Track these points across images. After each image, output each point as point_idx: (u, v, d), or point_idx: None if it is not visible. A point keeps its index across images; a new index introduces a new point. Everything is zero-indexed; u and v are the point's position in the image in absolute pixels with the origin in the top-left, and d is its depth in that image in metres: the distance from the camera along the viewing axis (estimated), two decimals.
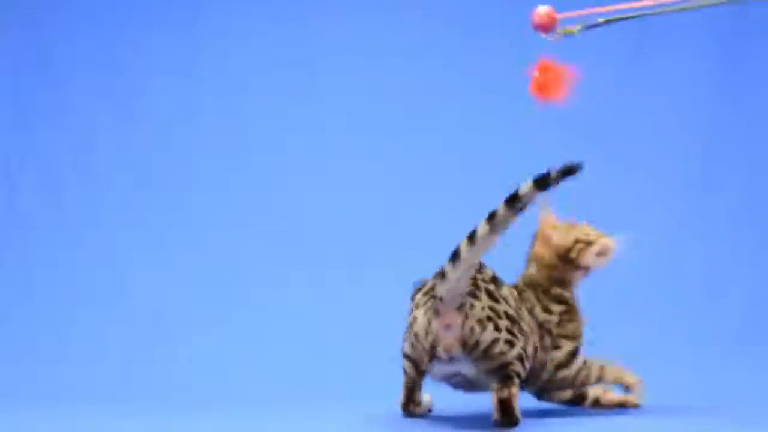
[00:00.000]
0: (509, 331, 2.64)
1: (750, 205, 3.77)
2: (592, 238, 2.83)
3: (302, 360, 3.40)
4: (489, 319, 2.63)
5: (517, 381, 2.64)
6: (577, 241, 2.82)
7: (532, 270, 2.84)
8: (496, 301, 2.66)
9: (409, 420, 2.74)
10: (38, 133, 3.87)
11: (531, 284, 2.82)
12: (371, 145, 3.82)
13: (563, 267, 2.82)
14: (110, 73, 3.88)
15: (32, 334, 3.58)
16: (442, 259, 2.61)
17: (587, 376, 2.82)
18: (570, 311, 2.82)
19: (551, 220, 2.85)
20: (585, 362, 2.82)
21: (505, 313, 2.66)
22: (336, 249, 3.72)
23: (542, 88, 2.63)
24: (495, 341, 2.62)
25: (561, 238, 2.83)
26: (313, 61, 3.87)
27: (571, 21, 2.64)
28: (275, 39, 3.89)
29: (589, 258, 2.82)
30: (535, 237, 2.86)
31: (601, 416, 2.79)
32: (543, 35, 2.59)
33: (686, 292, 3.66)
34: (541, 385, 2.79)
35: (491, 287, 2.67)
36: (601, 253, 2.83)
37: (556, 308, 2.81)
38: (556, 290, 2.82)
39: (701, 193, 3.77)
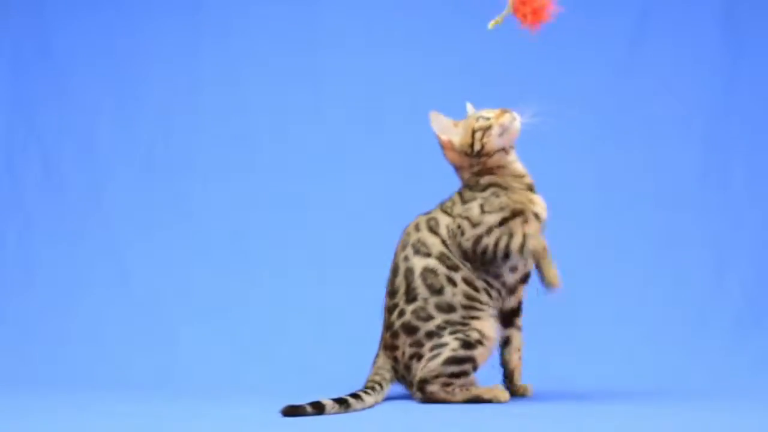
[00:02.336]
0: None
1: (750, 190, 3.76)
2: (489, 122, 2.84)
3: (303, 348, 3.41)
4: None
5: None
6: (474, 132, 2.84)
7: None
8: None
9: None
10: (40, 120, 3.87)
11: (454, 195, 2.88)
12: (372, 130, 3.82)
13: (478, 160, 2.85)
14: (112, 61, 3.87)
15: (33, 320, 3.59)
16: None
17: (508, 242, 2.80)
18: (497, 191, 2.83)
19: (446, 126, 2.87)
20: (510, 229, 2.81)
21: None
22: (338, 235, 3.72)
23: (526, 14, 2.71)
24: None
25: (461, 137, 2.86)
26: (315, 48, 3.86)
27: None
28: (276, 26, 3.88)
29: (494, 142, 2.84)
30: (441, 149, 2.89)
31: (604, 401, 2.80)
32: None
33: (688, 276, 3.66)
34: (473, 262, 2.81)
35: None
36: (502, 132, 2.84)
37: (481, 194, 2.84)
38: (485, 179, 2.85)
39: (702, 179, 3.77)
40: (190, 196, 3.79)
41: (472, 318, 2.81)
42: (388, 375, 2.85)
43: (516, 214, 2.82)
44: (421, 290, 2.81)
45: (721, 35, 3.83)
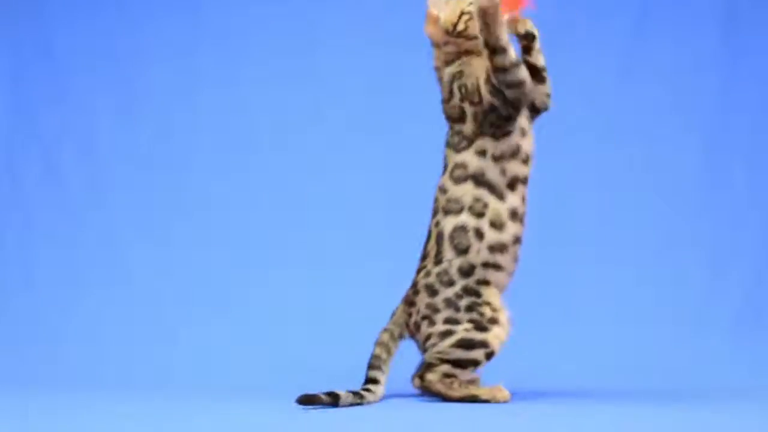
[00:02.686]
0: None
1: (751, 190, 3.77)
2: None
3: (303, 348, 3.41)
4: None
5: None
6: (462, 14, 2.86)
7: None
8: None
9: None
10: (40, 118, 3.87)
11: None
12: (372, 130, 3.82)
13: (454, 40, 2.86)
14: (112, 61, 3.88)
15: (33, 320, 3.59)
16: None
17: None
18: (462, 75, 2.85)
19: (438, 9, 2.89)
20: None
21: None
22: (338, 235, 3.72)
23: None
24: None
25: (447, 14, 2.87)
26: (315, 48, 3.87)
27: None
28: (276, 26, 3.88)
29: (477, 27, 2.82)
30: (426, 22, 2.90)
31: (603, 401, 2.80)
32: None
33: (687, 276, 3.66)
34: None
35: None
36: None
37: (451, 67, 2.87)
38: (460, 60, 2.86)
39: (702, 179, 3.78)
40: (190, 195, 3.79)
41: (486, 283, 2.83)
42: (389, 353, 2.88)
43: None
44: (448, 253, 2.84)
45: (721, 35, 3.83)
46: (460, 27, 2.85)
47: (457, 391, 2.82)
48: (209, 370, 3.25)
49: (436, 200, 2.90)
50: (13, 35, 3.89)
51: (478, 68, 2.85)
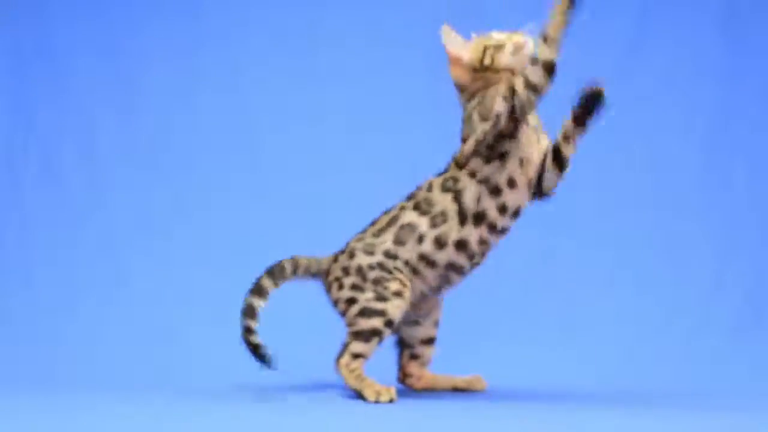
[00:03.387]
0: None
1: (751, 190, 3.77)
2: (502, 41, 2.86)
3: (304, 348, 3.40)
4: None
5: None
6: (486, 48, 2.86)
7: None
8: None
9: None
10: (40, 118, 3.87)
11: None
12: (373, 130, 3.82)
13: (485, 78, 2.86)
14: (112, 61, 3.88)
15: (33, 320, 3.59)
16: None
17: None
18: (483, 98, 2.85)
19: (457, 41, 2.89)
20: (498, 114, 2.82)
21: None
22: (339, 235, 3.71)
23: None
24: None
25: (471, 51, 2.88)
26: (315, 48, 3.87)
27: None
28: (276, 26, 3.89)
29: (506, 59, 2.85)
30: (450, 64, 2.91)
31: (603, 401, 2.80)
32: None
33: (688, 276, 3.66)
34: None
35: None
36: (515, 51, 2.86)
37: (474, 101, 2.87)
38: (495, 91, 2.86)
39: (702, 179, 3.77)
40: (190, 196, 3.79)
41: (400, 272, 2.87)
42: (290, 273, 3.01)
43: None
44: (388, 235, 2.89)
45: (721, 35, 3.83)
46: (487, 61, 2.86)
47: (353, 381, 2.85)
48: (209, 370, 3.25)
49: (418, 188, 2.92)
50: (14, 35, 3.89)
51: (499, 89, 2.84)
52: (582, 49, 3.82)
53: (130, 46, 3.88)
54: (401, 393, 2.90)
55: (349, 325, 2.88)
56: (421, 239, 2.86)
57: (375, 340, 2.85)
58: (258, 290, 2.99)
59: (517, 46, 2.85)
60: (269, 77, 3.86)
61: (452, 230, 2.84)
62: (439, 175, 2.91)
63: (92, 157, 3.84)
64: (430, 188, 2.89)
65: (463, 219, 2.84)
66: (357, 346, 2.85)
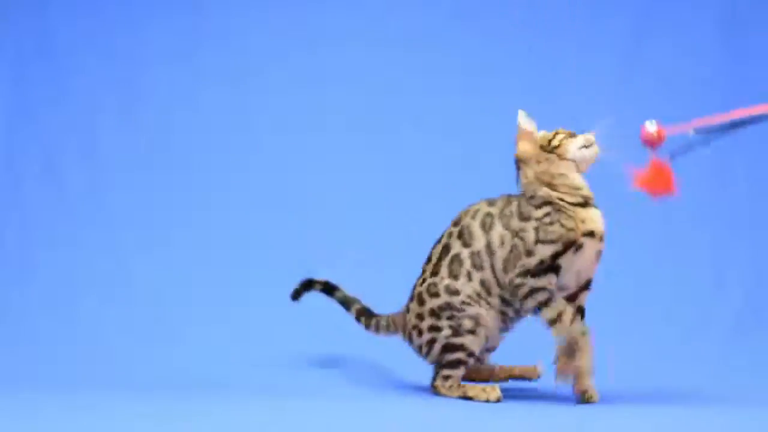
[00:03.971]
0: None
1: (751, 190, 3.77)
2: (574, 133, 2.91)
3: (304, 348, 3.40)
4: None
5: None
6: (557, 132, 2.91)
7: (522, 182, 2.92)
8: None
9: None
10: (41, 118, 3.87)
11: (515, 198, 2.92)
12: (373, 130, 3.82)
13: (548, 160, 2.88)
14: (112, 61, 3.87)
15: (33, 320, 3.58)
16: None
17: (543, 304, 2.87)
18: (551, 213, 2.87)
19: (531, 121, 2.93)
20: (549, 283, 2.86)
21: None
22: (339, 235, 3.72)
23: (648, 183, 2.70)
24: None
25: (543, 132, 2.93)
26: (316, 48, 3.87)
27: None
28: (276, 25, 3.88)
29: (572, 148, 2.89)
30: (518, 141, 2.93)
31: (603, 401, 2.80)
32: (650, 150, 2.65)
33: (688, 276, 3.66)
34: (510, 289, 2.87)
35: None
36: (585, 146, 2.90)
37: (538, 213, 2.87)
38: (542, 193, 2.89)
39: (702, 179, 3.77)
40: (190, 195, 3.79)
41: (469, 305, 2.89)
42: (370, 323, 3.08)
43: (568, 245, 2.85)
44: (444, 271, 2.91)
45: (721, 35, 3.83)
46: (555, 143, 2.89)
47: (454, 392, 2.90)
48: (209, 370, 3.25)
49: (464, 212, 2.95)
50: (14, 35, 3.89)
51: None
52: (582, 49, 3.85)
53: (131, 46, 3.88)
54: (404, 392, 2.90)
55: (437, 362, 2.94)
56: (470, 276, 2.90)
57: (462, 367, 2.91)
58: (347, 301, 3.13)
59: (587, 141, 2.90)
60: (269, 77, 3.86)
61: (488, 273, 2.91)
62: (491, 203, 2.93)
63: (93, 157, 3.84)
64: (474, 214, 2.93)
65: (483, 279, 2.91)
66: (446, 371, 2.92)
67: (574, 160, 2.89)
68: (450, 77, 3.85)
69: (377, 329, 3.05)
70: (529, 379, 3.02)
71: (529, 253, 2.85)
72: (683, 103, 3.81)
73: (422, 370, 3.00)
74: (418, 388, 3.01)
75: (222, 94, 3.85)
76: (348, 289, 3.17)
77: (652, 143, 2.75)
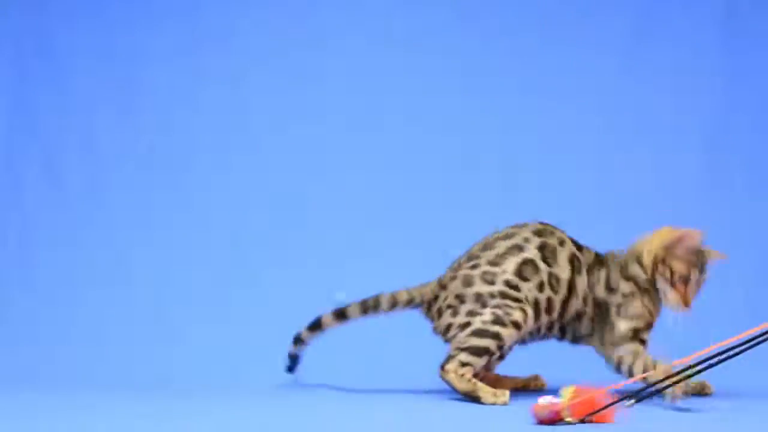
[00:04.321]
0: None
1: (751, 190, 3.77)
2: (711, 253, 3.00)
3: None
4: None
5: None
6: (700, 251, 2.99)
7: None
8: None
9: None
10: (40, 118, 3.87)
11: (612, 261, 2.95)
12: (373, 130, 3.82)
13: (662, 270, 2.94)
14: (112, 61, 3.88)
15: (33, 320, 3.59)
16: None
17: (630, 365, 2.90)
18: (635, 291, 2.91)
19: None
20: (635, 350, 2.90)
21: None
22: (339, 235, 3.72)
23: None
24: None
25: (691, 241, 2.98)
26: (315, 48, 3.87)
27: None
28: (276, 25, 3.89)
29: (686, 259, 2.96)
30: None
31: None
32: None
33: None
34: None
35: None
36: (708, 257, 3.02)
37: (624, 287, 2.91)
38: (633, 269, 2.92)
39: (702, 179, 3.77)
40: (190, 195, 3.79)
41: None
42: (388, 306, 2.96)
43: (647, 326, 2.93)
44: (510, 267, 2.87)
45: (721, 35, 3.83)
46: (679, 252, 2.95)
47: (465, 385, 2.82)
48: (209, 370, 3.25)
49: (551, 230, 2.94)
50: (14, 35, 3.89)
51: (643, 307, 2.93)
52: (582, 49, 3.85)
53: (131, 46, 3.88)
54: (408, 391, 2.90)
55: (460, 343, 2.85)
56: (541, 288, 2.89)
57: (485, 357, 2.84)
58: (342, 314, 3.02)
59: (715, 256, 3.03)
60: (269, 77, 3.86)
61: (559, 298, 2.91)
62: (579, 247, 2.96)
63: (93, 157, 3.84)
64: (562, 243, 2.93)
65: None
66: (466, 357, 2.84)
67: (683, 258, 2.96)
68: (450, 77, 3.85)
69: (393, 306, 2.95)
70: (535, 388, 3.01)
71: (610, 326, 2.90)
72: (683, 102, 3.81)
73: (423, 371, 2.99)
74: (420, 389, 3.01)
75: (221, 93, 3.85)
76: (345, 289, 3.18)
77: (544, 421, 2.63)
